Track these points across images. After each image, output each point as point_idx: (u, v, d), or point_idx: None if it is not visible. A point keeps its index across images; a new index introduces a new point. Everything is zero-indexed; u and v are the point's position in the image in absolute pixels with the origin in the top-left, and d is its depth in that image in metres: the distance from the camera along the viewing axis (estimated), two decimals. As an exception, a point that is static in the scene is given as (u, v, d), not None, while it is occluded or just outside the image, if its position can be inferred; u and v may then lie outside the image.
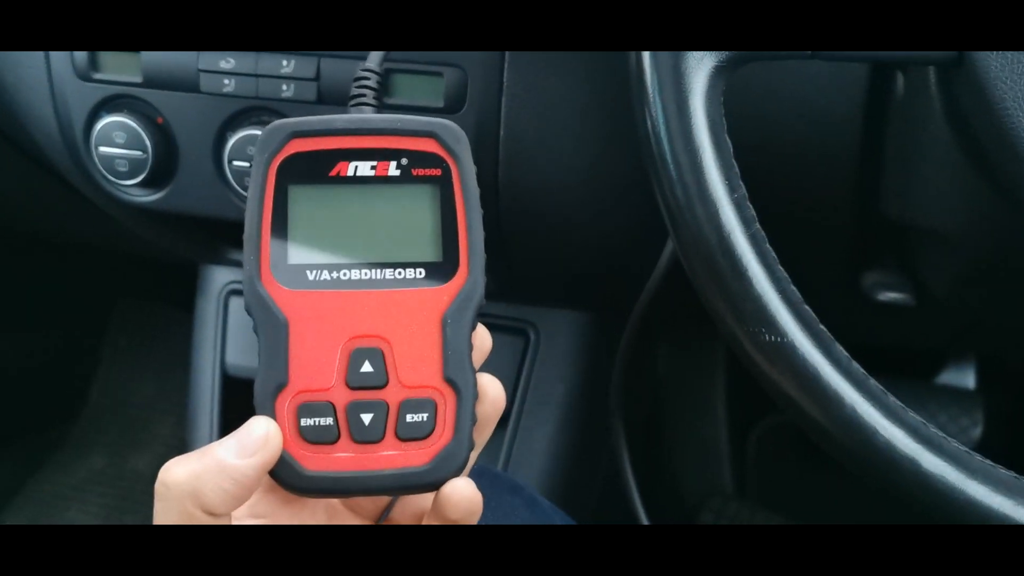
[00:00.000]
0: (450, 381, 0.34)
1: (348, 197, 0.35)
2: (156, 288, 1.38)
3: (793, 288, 0.38)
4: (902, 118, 0.51)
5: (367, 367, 0.34)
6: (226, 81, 0.59)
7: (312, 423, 0.33)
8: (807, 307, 0.38)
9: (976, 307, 0.61)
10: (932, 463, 0.36)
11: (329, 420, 0.33)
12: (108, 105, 0.62)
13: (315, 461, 0.33)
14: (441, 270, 0.35)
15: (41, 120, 0.65)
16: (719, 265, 0.38)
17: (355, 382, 0.33)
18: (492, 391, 0.35)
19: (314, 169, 0.34)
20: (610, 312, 0.75)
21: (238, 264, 0.76)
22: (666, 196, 0.39)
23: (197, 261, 0.80)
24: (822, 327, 0.38)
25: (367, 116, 0.36)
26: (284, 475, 0.33)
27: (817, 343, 0.37)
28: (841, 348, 0.38)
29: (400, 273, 0.34)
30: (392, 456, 0.34)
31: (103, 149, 0.61)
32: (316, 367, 0.33)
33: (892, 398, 0.37)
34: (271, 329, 0.33)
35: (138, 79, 0.61)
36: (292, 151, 0.34)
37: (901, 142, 0.51)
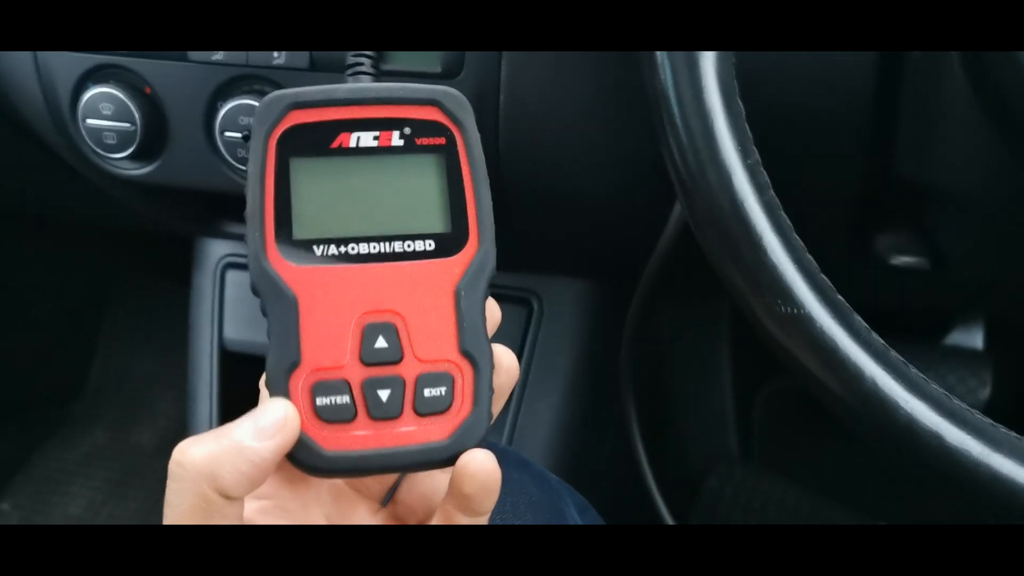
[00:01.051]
0: (467, 354, 0.33)
1: (352, 169, 0.34)
2: (153, 262, 1.37)
3: (809, 257, 0.37)
4: (918, 76, 0.49)
5: (381, 342, 0.33)
6: (215, 50, 0.57)
7: (328, 402, 0.32)
8: (824, 277, 0.37)
9: (991, 269, 0.59)
10: (956, 436, 0.35)
11: (345, 398, 0.32)
12: (94, 75, 0.60)
13: (333, 441, 0.32)
14: (451, 241, 0.34)
15: (26, 92, 0.63)
16: (733, 234, 0.37)
17: (370, 358, 0.33)
18: (507, 361, 0.34)
19: (315, 141, 0.33)
20: (614, 280, 0.74)
21: (234, 236, 0.75)
22: (676, 163, 0.38)
23: (192, 234, 0.78)
24: (840, 297, 0.37)
25: (368, 85, 0.35)
26: (303, 457, 0.32)
27: (835, 314, 0.36)
28: (860, 319, 0.37)
29: (410, 245, 0.33)
30: (411, 432, 0.33)
31: (90, 121, 0.59)
32: (329, 344, 0.32)
33: (914, 370, 0.36)
34: (280, 307, 0.32)
35: (124, 48, 0.59)
36: (292, 123, 0.33)
37: (917, 101, 0.49)
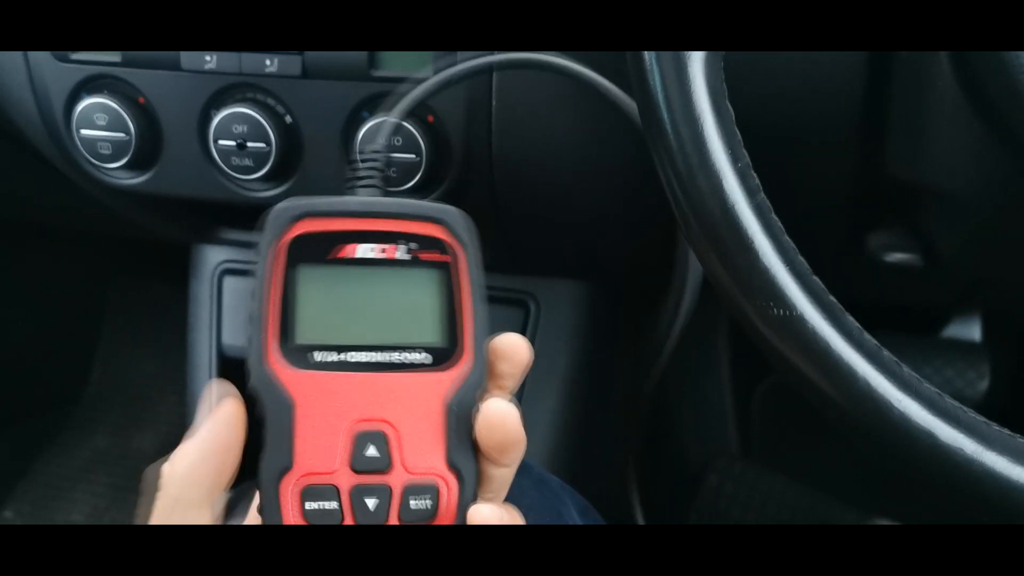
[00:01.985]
0: (453, 467, 0.34)
1: (355, 279, 0.35)
2: (151, 267, 1.37)
3: (801, 259, 0.37)
4: (907, 75, 0.49)
5: (372, 451, 0.34)
6: (207, 58, 0.57)
7: (317, 507, 0.33)
8: (816, 278, 0.37)
9: (984, 265, 0.60)
10: (949, 435, 0.35)
11: (334, 504, 0.33)
12: (88, 86, 0.60)
13: None
14: (444, 354, 0.35)
15: (20, 104, 0.63)
16: (724, 239, 0.37)
17: (359, 466, 0.34)
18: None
19: (322, 249, 0.35)
20: (610, 281, 0.74)
21: (230, 243, 0.75)
22: (666, 167, 0.38)
23: (188, 242, 0.79)
24: (832, 298, 0.37)
25: (378, 200, 0.37)
26: None
27: (827, 315, 0.36)
28: (852, 319, 0.37)
29: (405, 356, 0.35)
30: None
31: (85, 132, 0.60)
32: (321, 450, 0.34)
33: (907, 369, 0.36)
34: (277, 411, 0.34)
35: (117, 58, 0.59)
36: (301, 231, 0.34)
37: (906, 99, 0.50)
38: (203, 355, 0.78)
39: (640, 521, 0.80)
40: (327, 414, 0.34)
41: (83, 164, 0.63)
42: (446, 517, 0.34)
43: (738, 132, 0.38)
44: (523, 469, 0.52)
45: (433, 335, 0.35)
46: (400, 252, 0.35)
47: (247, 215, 0.43)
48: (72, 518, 1.26)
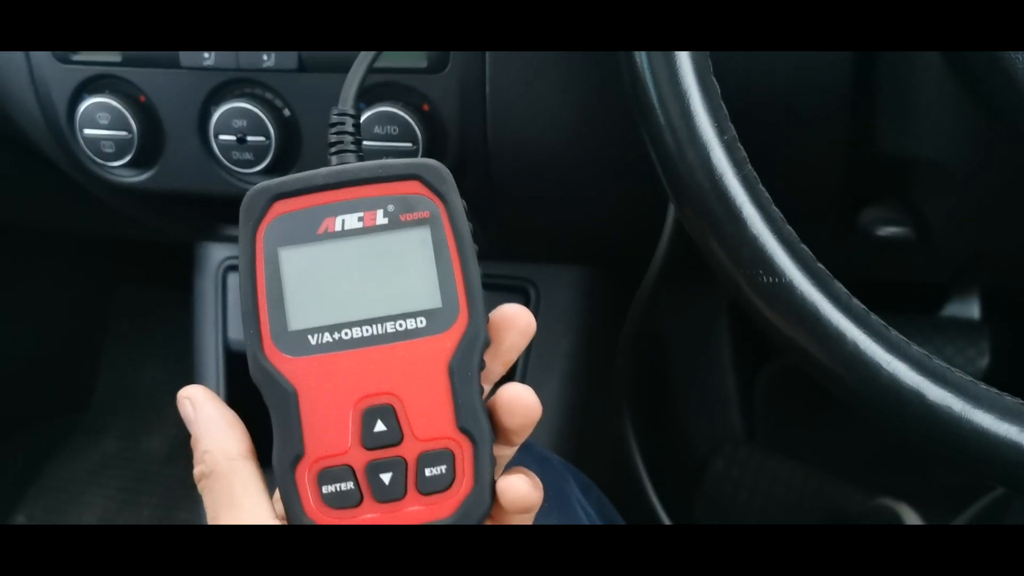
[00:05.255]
0: (464, 430, 0.34)
1: (340, 253, 0.34)
2: (154, 271, 1.38)
3: (789, 228, 0.38)
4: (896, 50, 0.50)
5: (380, 426, 0.33)
6: (206, 55, 0.58)
7: (334, 489, 0.33)
8: (804, 246, 0.38)
9: (977, 238, 0.60)
10: (937, 395, 0.36)
11: (350, 484, 0.33)
12: (89, 86, 0.61)
13: (346, 520, 0.33)
14: (441, 316, 0.34)
15: (23, 106, 0.64)
16: (713, 210, 0.38)
17: (371, 442, 0.33)
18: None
19: (301, 229, 0.34)
20: (609, 265, 0.74)
21: (233, 240, 0.76)
22: (656, 144, 0.39)
23: (192, 239, 0.80)
24: (820, 265, 0.38)
25: (347, 167, 0.35)
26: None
27: (816, 281, 0.37)
28: (840, 285, 0.38)
29: (401, 324, 0.34)
30: (417, 512, 0.33)
31: (88, 131, 0.61)
32: (330, 433, 0.33)
33: (894, 332, 0.37)
34: (281, 401, 0.33)
35: (117, 58, 0.60)
36: (276, 213, 0.34)
37: (895, 74, 0.50)
38: (209, 351, 0.79)
39: (651, 494, 0.80)
40: (331, 396, 0.33)
41: (87, 164, 0.63)
42: (464, 482, 0.34)
43: (724, 106, 0.39)
44: (525, 447, 0.53)
45: (426, 298, 0.34)
46: (380, 217, 0.34)
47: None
48: (84, 520, 1.27)
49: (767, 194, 0.38)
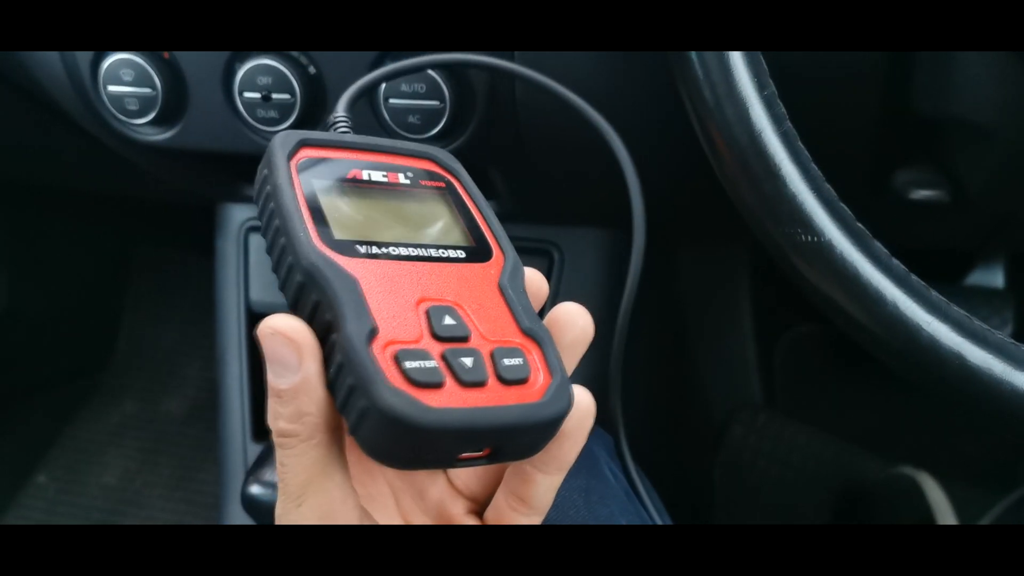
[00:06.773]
0: (528, 332, 0.33)
1: (371, 195, 0.35)
2: (173, 233, 1.38)
3: (828, 186, 0.37)
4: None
5: (449, 320, 0.32)
6: (231, 10, 0.57)
7: (418, 365, 0.30)
8: (843, 205, 0.37)
9: (1011, 200, 0.59)
10: (977, 356, 0.35)
11: (432, 363, 0.30)
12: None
13: (435, 399, 0.30)
14: (479, 252, 0.35)
15: (47, 64, 0.64)
16: (752, 166, 0.37)
17: (443, 332, 0.31)
18: (581, 320, 0.35)
19: (331, 171, 0.35)
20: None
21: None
22: (694, 98, 0.38)
23: (214, 199, 0.79)
24: (859, 225, 0.37)
25: (368, 138, 0.38)
26: (410, 412, 0.29)
27: (856, 241, 0.37)
28: (880, 245, 0.37)
29: (443, 252, 0.34)
30: (506, 394, 0.31)
31: (112, 88, 0.60)
32: (400, 321, 0.31)
33: (935, 293, 0.36)
34: (344, 286, 0.31)
35: (141, 14, 0.59)
36: (306, 156, 0.35)
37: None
38: (231, 311, 0.79)
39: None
40: (393, 292, 0.32)
41: (111, 121, 0.63)
42: (542, 375, 0.32)
43: (764, 62, 0.38)
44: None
45: (460, 238, 0.35)
46: (402, 179, 0.36)
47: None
48: (104, 480, 1.29)
49: (806, 152, 0.37)
